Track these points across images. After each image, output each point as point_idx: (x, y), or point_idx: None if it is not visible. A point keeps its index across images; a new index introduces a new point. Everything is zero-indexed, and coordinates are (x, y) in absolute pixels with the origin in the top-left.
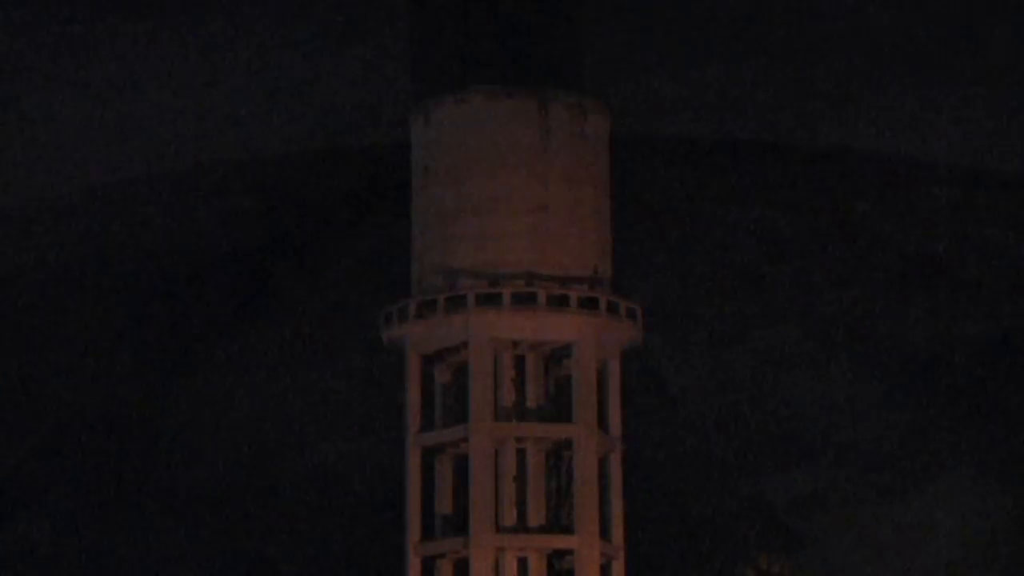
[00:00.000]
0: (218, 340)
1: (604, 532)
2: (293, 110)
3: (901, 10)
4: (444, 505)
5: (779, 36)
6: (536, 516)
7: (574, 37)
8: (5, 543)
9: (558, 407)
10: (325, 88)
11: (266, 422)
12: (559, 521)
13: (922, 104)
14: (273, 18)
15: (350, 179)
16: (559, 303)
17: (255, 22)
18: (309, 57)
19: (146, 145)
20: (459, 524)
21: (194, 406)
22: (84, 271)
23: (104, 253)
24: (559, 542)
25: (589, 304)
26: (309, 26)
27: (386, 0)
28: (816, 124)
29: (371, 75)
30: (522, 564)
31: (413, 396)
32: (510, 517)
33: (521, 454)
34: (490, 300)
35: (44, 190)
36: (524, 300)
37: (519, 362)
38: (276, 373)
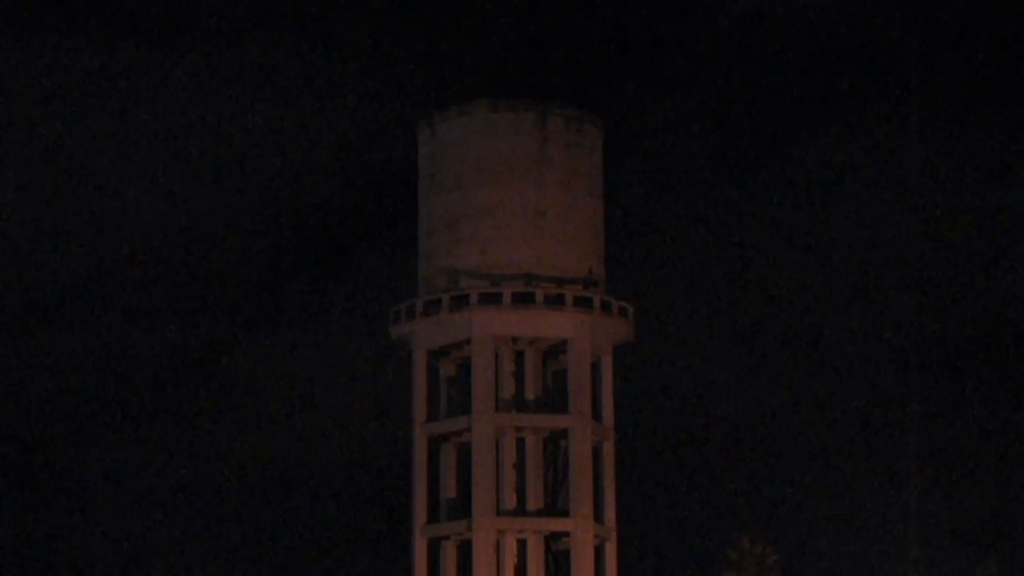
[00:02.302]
0: (236, 339)
1: (598, 515)
2: (303, 122)
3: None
4: (449, 490)
5: (769, 55)
6: (534, 500)
7: (571, 54)
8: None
9: (555, 399)
10: (335, 100)
11: (280, 413)
12: (556, 505)
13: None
14: (281, 33)
15: (360, 187)
16: (556, 302)
17: (264, 37)
18: (319, 72)
19: (162, 159)
20: (463, 508)
21: (212, 399)
22: (107, 279)
23: (125, 261)
24: (556, 525)
25: (584, 303)
26: (316, 40)
27: (393, 16)
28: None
29: (379, 88)
30: (521, 545)
31: (419, 388)
32: (510, 501)
33: (520, 443)
34: (492, 299)
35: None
36: (523, 299)
37: (518, 357)
38: (291, 368)
